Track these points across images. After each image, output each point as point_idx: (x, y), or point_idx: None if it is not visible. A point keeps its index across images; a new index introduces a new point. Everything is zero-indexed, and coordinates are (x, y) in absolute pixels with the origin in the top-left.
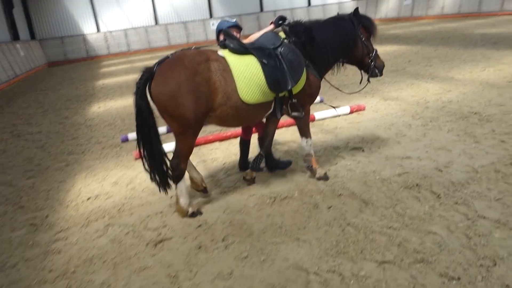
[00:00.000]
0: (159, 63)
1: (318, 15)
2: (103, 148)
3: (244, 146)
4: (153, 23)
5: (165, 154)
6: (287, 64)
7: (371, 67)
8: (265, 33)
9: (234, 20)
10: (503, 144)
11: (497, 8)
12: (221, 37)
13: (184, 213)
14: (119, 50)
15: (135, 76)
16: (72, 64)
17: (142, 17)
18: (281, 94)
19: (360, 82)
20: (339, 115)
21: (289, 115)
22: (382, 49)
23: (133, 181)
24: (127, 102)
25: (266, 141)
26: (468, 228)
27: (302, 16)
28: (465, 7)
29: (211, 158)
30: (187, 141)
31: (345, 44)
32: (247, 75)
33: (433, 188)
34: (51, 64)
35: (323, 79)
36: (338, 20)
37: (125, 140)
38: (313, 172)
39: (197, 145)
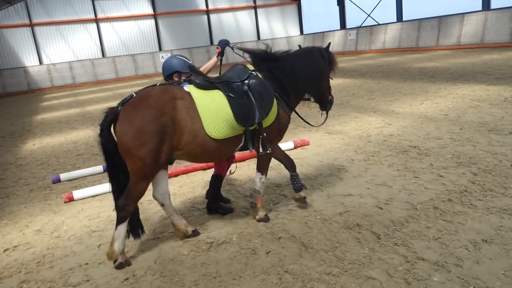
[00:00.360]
0: (122, 103)
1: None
2: (31, 190)
3: (212, 183)
4: (99, 55)
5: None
6: (255, 96)
7: (330, 101)
8: (233, 66)
9: (183, 57)
10: (441, 179)
11: (433, 44)
12: (176, 77)
13: (113, 259)
14: (64, 83)
15: (78, 110)
16: (11, 98)
17: (88, 49)
18: (251, 128)
19: (322, 115)
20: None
21: (258, 151)
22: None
23: (59, 228)
24: (65, 138)
25: (285, 164)
26: (407, 272)
27: None
28: (404, 42)
29: (147, 200)
30: (142, 184)
31: (316, 77)
32: (212, 110)
33: (373, 228)
34: None
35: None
36: (309, 52)
37: (57, 181)
38: (255, 212)
39: None
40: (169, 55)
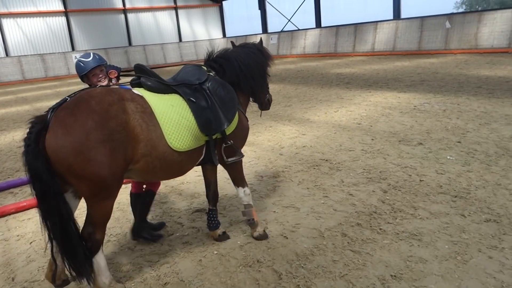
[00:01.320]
0: (53, 109)
1: (190, 50)
2: None
3: (138, 201)
4: (2, 54)
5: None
6: (217, 101)
7: (268, 100)
8: (185, 66)
9: (91, 57)
10: (351, 198)
11: (350, 50)
12: (96, 76)
13: None
14: None
15: None
16: None
17: None
18: (214, 137)
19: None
20: None
21: (222, 162)
22: None
23: None
24: None
25: (210, 193)
26: None
27: (173, 52)
28: (323, 47)
29: (16, 235)
30: (103, 205)
31: (263, 74)
32: (173, 118)
33: (275, 264)
34: None
35: None
36: (250, 49)
37: None
38: (254, 227)
39: (3, 216)
40: None
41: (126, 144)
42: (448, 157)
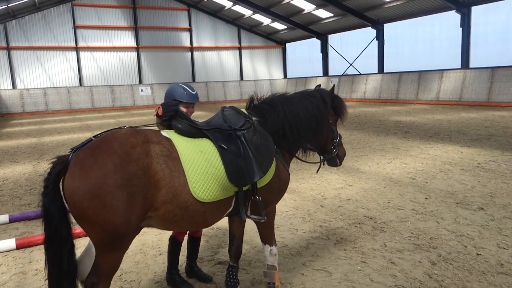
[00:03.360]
0: (76, 149)
1: (250, 89)
2: None
3: (176, 248)
4: (77, 84)
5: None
6: (252, 150)
7: (333, 154)
8: (223, 109)
9: (195, 92)
10: (393, 268)
11: (413, 97)
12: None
13: None
14: (35, 109)
15: (33, 141)
16: None
17: (66, 77)
18: (244, 188)
19: (320, 166)
20: None
21: (247, 216)
22: None
23: None
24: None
25: (233, 248)
26: None
27: (234, 89)
28: (384, 93)
29: (35, 269)
30: (112, 256)
31: (316, 126)
32: (201, 165)
33: None
34: None
35: None
36: (309, 96)
37: None
38: None
39: (29, 246)
40: (148, 88)
41: (146, 190)
42: None
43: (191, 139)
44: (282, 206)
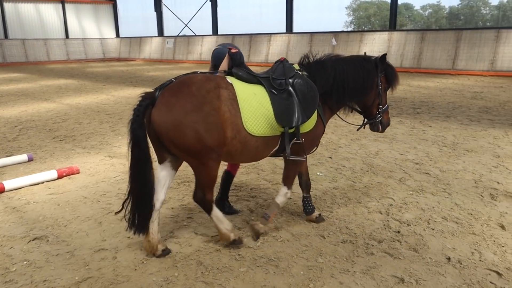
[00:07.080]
0: (160, 88)
1: (78, 48)
2: None
3: (229, 179)
4: None
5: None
6: (299, 97)
7: (377, 120)
8: (277, 63)
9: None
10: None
11: (245, 59)
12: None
13: (228, 239)
14: None
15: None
16: None
17: None
18: (290, 130)
19: (360, 126)
20: (43, 182)
21: (287, 156)
22: (135, 92)
23: None
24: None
25: (303, 182)
26: None
27: (58, 48)
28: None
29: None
30: (207, 171)
31: (362, 88)
32: (253, 104)
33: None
34: None
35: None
36: (363, 60)
37: None
38: (263, 222)
39: None
40: None
41: (219, 127)
42: (318, 174)
43: (248, 84)
44: (111, 172)
